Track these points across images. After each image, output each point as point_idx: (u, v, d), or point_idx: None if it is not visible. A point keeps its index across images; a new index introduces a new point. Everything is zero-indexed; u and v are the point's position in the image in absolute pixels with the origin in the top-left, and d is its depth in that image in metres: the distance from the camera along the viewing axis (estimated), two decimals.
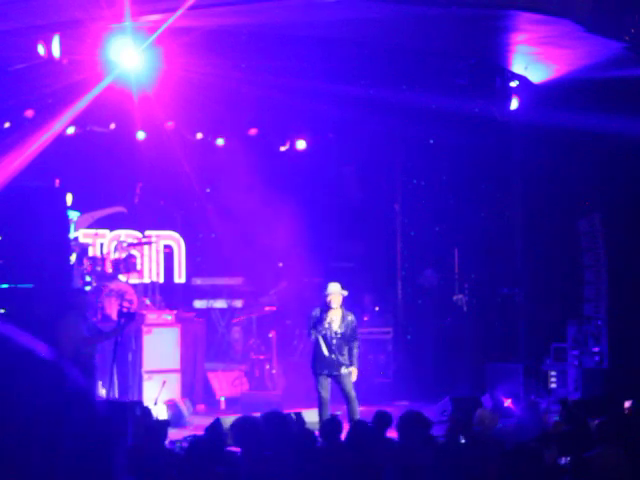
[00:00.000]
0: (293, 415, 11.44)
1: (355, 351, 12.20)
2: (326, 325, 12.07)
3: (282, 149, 17.62)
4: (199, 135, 16.98)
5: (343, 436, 8.30)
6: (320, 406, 12.02)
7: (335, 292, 12.20)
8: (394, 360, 17.34)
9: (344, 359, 12.11)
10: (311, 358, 12.34)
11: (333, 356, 12.05)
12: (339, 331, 12.13)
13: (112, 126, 16.06)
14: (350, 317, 12.26)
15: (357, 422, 8.64)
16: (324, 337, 12.09)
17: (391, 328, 17.56)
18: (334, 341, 12.08)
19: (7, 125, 14.72)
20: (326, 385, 12.10)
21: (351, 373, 12.14)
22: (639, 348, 14.56)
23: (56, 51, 11.93)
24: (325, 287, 12.32)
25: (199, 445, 6.99)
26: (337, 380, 12.12)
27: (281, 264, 17.64)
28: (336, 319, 12.15)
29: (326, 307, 12.16)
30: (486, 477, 7.27)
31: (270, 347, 16.13)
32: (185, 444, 10.59)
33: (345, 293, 12.32)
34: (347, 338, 12.15)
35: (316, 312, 12.17)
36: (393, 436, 8.85)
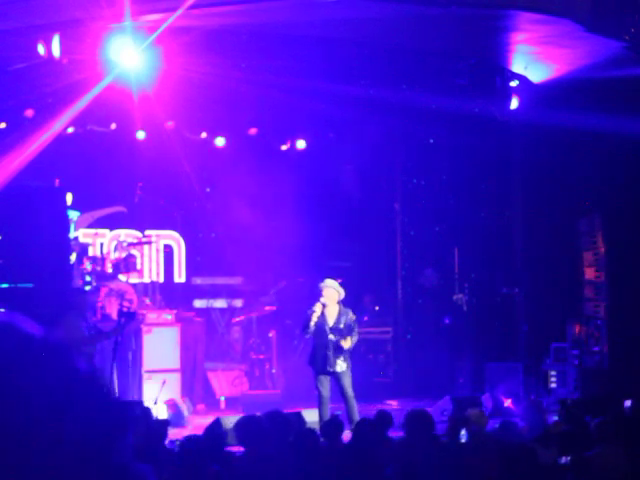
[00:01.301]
0: (295, 415, 11.46)
1: (354, 335, 12.08)
2: (315, 319, 11.97)
3: (284, 148, 17.61)
4: (204, 134, 16.99)
5: (344, 436, 8.31)
6: (320, 404, 11.99)
7: (328, 285, 12.15)
8: (394, 360, 17.35)
9: (341, 356, 12.03)
10: (309, 355, 12.31)
11: (329, 352, 11.98)
12: (335, 327, 12.05)
13: (113, 126, 16.06)
14: (348, 314, 12.19)
15: (361, 422, 8.64)
16: (319, 333, 12.04)
17: (391, 328, 17.56)
18: (330, 336, 12.00)
19: (6, 125, 14.71)
20: (326, 383, 12.04)
21: (348, 373, 12.06)
22: (639, 348, 14.56)
23: (56, 51, 11.93)
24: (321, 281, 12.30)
25: (198, 444, 6.99)
26: (336, 378, 12.08)
27: (284, 282, 17.54)
28: (331, 315, 12.10)
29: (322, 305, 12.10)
30: (486, 477, 7.27)
31: (270, 347, 16.13)
32: None
33: (341, 291, 12.24)
34: (344, 335, 12.07)
35: (310, 310, 12.11)
36: (393, 436, 8.85)
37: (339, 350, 12.00)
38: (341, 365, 12.00)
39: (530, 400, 13.65)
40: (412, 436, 7.83)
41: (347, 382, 12.04)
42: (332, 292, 12.14)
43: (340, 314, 12.12)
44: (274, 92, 14.57)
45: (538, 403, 10.68)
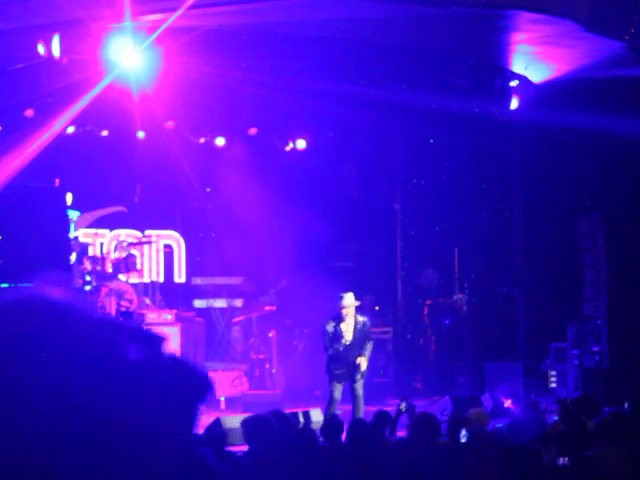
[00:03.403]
0: (301, 414, 11.48)
1: (367, 348, 12.17)
2: (342, 339, 12.07)
3: (287, 149, 17.61)
4: (202, 140, 17.00)
5: (344, 436, 8.32)
6: (329, 405, 12.04)
7: (350, 305, 12.16)
8: (394, 360, 17.34)
9: (357, 368, 12.12)
10: (326, 361, 12.31)
11: (347, 367, 12.07)
12: (352, 339, 12.13)
13: (104, 133, 16.08)
14: (362, 321, 12.23)
15: (356, 421, 8.65)
16: (338, 347, 12.10)
17: (391, 328, 17.56)
18: (349, 351, 12.08)
19: (6, 125, 14.71)
20: (339, 387, 12.15)
21: (362, 376, 12.15)
22: (639, 348, 14.57)
23: (56, 51, 11.93)
24: (339, 298, 12.24)
25: (198, 444, 6.96)
26: (349, 384, 12.18)
27: (284, 282, 17.53)
28: (349, 329, 12.14)
29: (339, 319, 12.11)
30: (485, 477, 7.27)
31: (270, 346, 16.12)
32: None
33: (358, 303, 12.30)
34: (360, 343, 12.17)
35: (330, 327, 12.12)
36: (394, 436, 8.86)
37: (354, 362, 12.08)
38: (359, 374, 12.11)
39: (528, 400, 13.67)
40: (417, 439, 7.82)
41: (359, 385, 12.12)
42: (351, 310, 12.18)
43: (356, 324, 12.19)
44: (274, 92, 14.57)
45: (536, 403, 10.68)
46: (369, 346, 12.22)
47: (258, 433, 7.30)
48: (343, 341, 12.08)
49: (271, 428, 7.34)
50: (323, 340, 12.25)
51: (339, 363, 12.15)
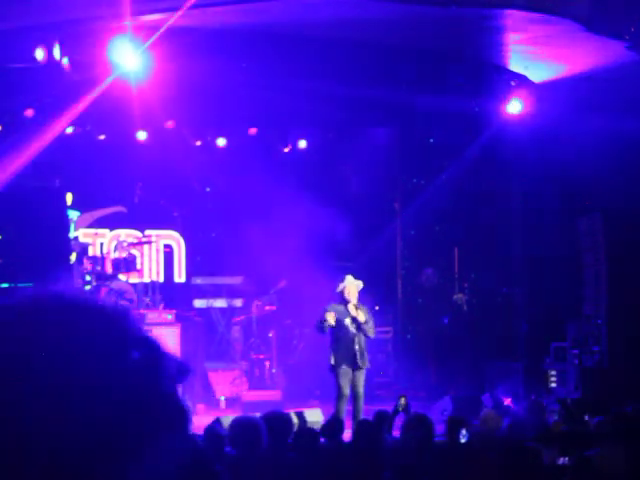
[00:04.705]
0: (294, 414, 11.48)
1: (369, 327, 12.16)
2: (346, 322, 12.04)
3: (287, 149, 17.62)
4: (198, 143, 17.04)
5: (345, 435, 8.33)
6: (339, 399, 11.96)
7: (351, 284, 12.17)
8: (394, 360, 17.35)
9: (362, 355, 12.11)
10: (330, 353, 12.27)
11: (353, 352, 12.05)
12: (356, 323, 12.11)
13: (101, 137, 16.10)
14: (363, 306, 12.26)
15: (362, 422, 8.65)
16: (343, 333, 12.07)
17: (391, 328, 17.56)
18: (355, 338, 12.06)
19: (6, 125, 14.71)
20: (348, 380, 12.05)
21: (365, 372, 12.15)
22: (639, 348, 14.57)
23: (56, 51, 11.93)
24: (340, 281, 12.28)
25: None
26: (352, 374, 12.15)
27: (284, 282, 17.54)
28: (352, 311, 12.13)
29: (343, 301, 12.11)
30: (485, 477, 7.27)
31: (270, 346, 16.13)
32: None
33: (361, 285, 12.29)
34: (364, 328, 12.17)
35: (332, 308, 12.09)
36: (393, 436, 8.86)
37: (360, 348, 12.08)
38: (364, 362, 12.11)
39: (531, 400, 13.67)
40: (408, 441, 7.83)
41: (361, 380, 12.11)
42: (353, 289, 12.19)
43: (359, 308, 12.23)
44: (274, 92, 14.56)
45: (539, 403, 10.69)
46: (371, 325, 12.19)
47: (244, 435, 7.29)
48: (347, 322, 12.04)
49: (257, 430, 7.32)
50: (317, 321, 12.15)
51: (343, 350, 12.09)
